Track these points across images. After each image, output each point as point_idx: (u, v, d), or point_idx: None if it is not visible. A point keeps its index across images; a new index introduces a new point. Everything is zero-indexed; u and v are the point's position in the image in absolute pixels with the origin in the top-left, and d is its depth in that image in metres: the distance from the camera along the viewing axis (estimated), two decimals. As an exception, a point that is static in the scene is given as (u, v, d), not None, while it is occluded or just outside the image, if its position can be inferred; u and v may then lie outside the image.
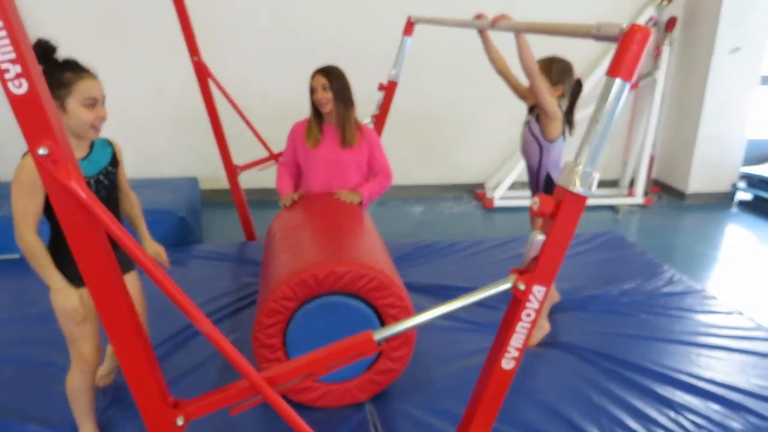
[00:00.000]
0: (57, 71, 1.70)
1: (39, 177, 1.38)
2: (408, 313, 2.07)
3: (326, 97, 2.75)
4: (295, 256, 2.12)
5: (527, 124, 2.52)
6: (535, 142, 2.46)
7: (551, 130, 2.42)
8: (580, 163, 1.24)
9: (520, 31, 2.07)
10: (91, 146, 1.85)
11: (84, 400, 1.95)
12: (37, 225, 1.67)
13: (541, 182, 2.51)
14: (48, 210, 1.69)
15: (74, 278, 1.69)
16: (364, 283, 2.00)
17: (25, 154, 1.66)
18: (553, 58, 2.48)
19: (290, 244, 2.25)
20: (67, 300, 1.74)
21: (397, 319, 2.05)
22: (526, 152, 2.55)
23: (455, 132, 5.04)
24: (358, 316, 2.03)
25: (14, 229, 1.63)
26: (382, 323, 2.06)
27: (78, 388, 1.93)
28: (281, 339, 2.03)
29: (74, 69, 1.75)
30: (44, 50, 1.71)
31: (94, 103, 1.75)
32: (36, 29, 0.95)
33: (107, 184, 1.82)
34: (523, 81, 2.47)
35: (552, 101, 2.36)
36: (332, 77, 2.77)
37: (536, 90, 2.30)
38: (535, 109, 2.47)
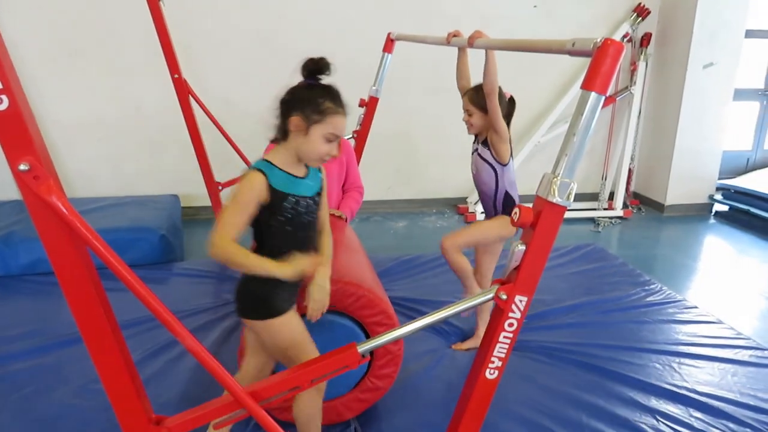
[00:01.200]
0: (319, 94, 1.69)
1: (258, 194, 1.46)
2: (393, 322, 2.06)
3: None
4: None
5: (476, 152, 2.49)
6: (490, 168, 2.43)
7: (503, 153, 2.40)
8: (558, 174, 1.27)
9: (496, 48, 2.09)
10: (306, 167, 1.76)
11: (317, 425, 1.84)
12: (238, 237, 1.58)
13: (499, 205, 2.49)
14: (256, 221, 1.64)
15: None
16: (352, 301, 1.99)
17: (251, 168, 1.62)
18: (478, 87, 2.40)
19: None
20: (298, 267, 1.59)
21: None
22: (480, 180, 2.51)
23: (436, 147, 5.07)
24: (345, 334, 2.02)
25: (213, 234, 1.54)
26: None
27: (313, 411, 1.81)
28: None
29: (335, 101, 1.72)
30: (317, 66, 1.79)
31: (334, 139, 1.69)
32: (9, 49, 0.94)
33: (315, 208, 1.76)
34: None
35: (504, 123, 2.35)
36: None
37: (491, 109, 2.28)
38: (479, 137, 2.48)
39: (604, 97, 1.24)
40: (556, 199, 1.27)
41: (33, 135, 1.08)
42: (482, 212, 2.59)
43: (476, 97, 2.39)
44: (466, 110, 2.45)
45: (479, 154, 2.47)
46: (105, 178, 4.58)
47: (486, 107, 2.33)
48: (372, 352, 2.04)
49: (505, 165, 2.44)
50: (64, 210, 1.12)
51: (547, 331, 2.84)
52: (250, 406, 1.33)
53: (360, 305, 2.00)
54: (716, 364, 2.58)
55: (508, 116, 2.42)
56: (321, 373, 1.38)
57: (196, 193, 4.50)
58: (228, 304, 3.04)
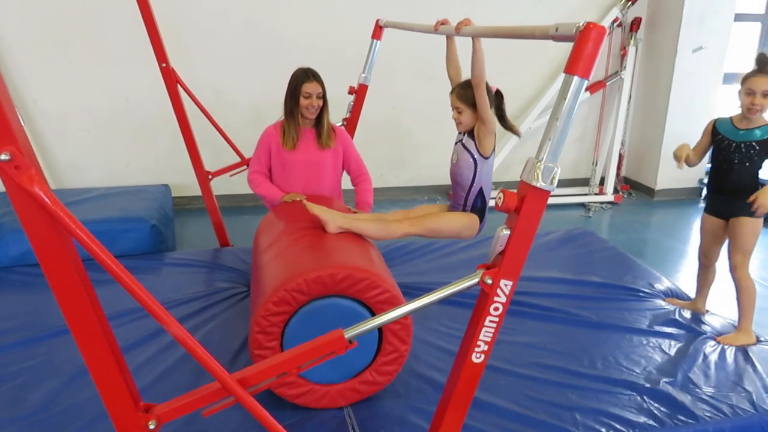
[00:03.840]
0: None
1: None
2: (408, 334, 2.10)
3: (319, 104, 2.80)
4: (314, 254, 2.14)
5: (460, 143, 2.46)
6: (471, 160, 2.40)
7: (487, 145, 2.37)
8: (542, 159, 1.28)
9: (482, 36, 2.07)
10: None
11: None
12: None
13: (470, 200, 2.46)
14: None
15: None
16: (375, 294, 2.01)
17: None
18: (465, 84, 2.39)
19: (306, 243, 2.25)
20: None
21: (397, 335, 2.08)
22: (458, 172, 2.47)
23: (427, 134, 5.07)
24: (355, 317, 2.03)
25: None
26: (381, 338, 2.09)
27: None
28: (281, 329, 2.01)
29: None
30: None
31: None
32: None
33: None
34: None
35: (491, 114, 2.33)
36: (323, 85, 2.81)
37: (478, 100, 2.26)
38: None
39: (587, 81, 1.25)
40: (540, 184, 1.28)
41: (13, 124, 1.07)
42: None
43: (464, 94, 2.36)
44: (455, 108, 2.41)
45: (463, 144, 2.44)
46: (95, 169, 4.56)
47: (474, 103, 2.32)
48: (379, 347, 2.09)
49: (486, 158, 2.41)
50: (47, 200, 1.12)
51: (534, 316, 2.85)
52: (237, 393, 1.34)
53: (382, 300, 2.02)
54: (702, 349, 2.60)
55: (497, 109, 2.40)
56: (307, 359, 1.39)
57: (187, 183, 4.49)
58: (219, 291, 3.04)
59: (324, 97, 2.82)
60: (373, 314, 2.04)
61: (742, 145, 2.59)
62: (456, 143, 2.50)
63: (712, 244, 2.82)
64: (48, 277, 1.21)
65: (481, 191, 2.45)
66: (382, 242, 3.74)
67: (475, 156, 2.40)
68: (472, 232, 2.48)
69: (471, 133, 2.41)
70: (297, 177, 2.88)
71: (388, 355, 2.10)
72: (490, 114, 2.31)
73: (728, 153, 2.63)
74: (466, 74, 2.40)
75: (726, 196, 2.68)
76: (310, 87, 2.77)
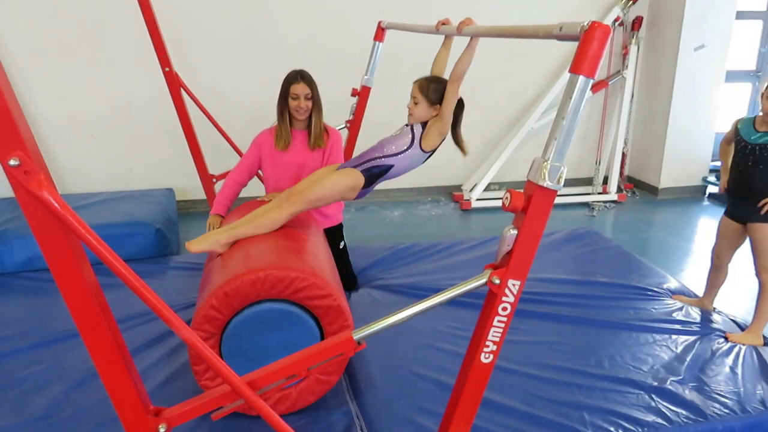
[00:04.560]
0: None
1: None
2: (341, 312, 2.03)
3: (308, 105, 2.80)
4: (219, 274, 2.09)
5: (409, 126, 2.39)
6: (410, 141, 2.33)
7: (431, 142, 2.33)
8: (548, 158, 1.28)
9: (485, 35, 2.06)
10: None
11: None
12: None
13: (372, 164, 2.34)
14: None
15: None
16: (283, 286, 1.96)
17: None
18: (431, 78, 2.37)
19: (212, 267, 2.22)
20: None
21: (328, 315, 2.02)
22: (389, 141, 2.38)
23: (430, 135, 5.06)
24: (297, 322, 2.02)
25: None
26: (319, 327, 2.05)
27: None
28: (220, 335, 1.99)
29: None
30: None
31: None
32: None
33: None
34: None
35: (451, 115, 2.28)
36: (313, 86, 2.82)
37: (448, 94, 2.22)
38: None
39: (592, 81, 1.25)
40: (547, 183, 1.28)
41: (22, 130, 1.08)
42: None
43: (427, 87, 2.32)
44: (413, 97, 2.35)
45: (411, 127, 2.37)
46: (98, 174, 4.57)
47: (433, 99, 2.29)
48: (321, 331, 2.04)
49: (423, 151, 2.35)
50: (56, 204, 1.13)
51: (539, 315, 2.85)
52: (247, 396, 1.34)
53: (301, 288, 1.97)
54: (708, 347, 2.59)
55: (455, 118, 2.35)
56: (317, 360, 1.39)
57: (191, 186, 4.50)
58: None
59: (314, 99, 2.82)
60: (300, 306, 2.01)
61: (757, 147, 2.55)
62: (405, 125, 2.42)
63: (725, 247, 2.80)
64: (57, 281, 1.21)
65: (388, 169, 2.35)
66: (386, 243, 3.75)
67: (415, 143, 2.34)
68: (353, 194, 2.35)
69: (424, 124, 2.36)
70: (288, 178, 2.89)
71: (332, 335, 2.01)
72: (450, 113, 2.27)
73: (744, 155, 2.61)
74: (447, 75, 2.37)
75: (742, 199, 2.66)
76: (297, 88, 2.78)
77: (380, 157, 2.35)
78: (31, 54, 4.19)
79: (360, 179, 2.33)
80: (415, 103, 2.35)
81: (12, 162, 1.07)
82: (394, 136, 2.41)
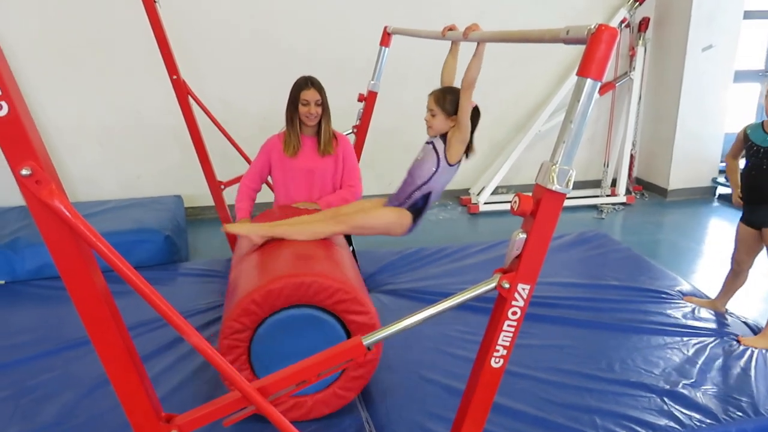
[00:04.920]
0: None
1: None
2: (374, 320, 2.06)
3: (318, 112, 2.81)
4: (260, 271, 2.12)
5: (431, 143, 2.40)
6: (435, 161, 2.35)
7: (456, 153, 2.34)
8: (557, 162, 1.27)
9: (491, 40, 2.06)
10: None
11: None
12: None
13: (413, 199, 2.39)
14: None
15: None
16: (320, 293, 1.99)
17: None
18: (446, 89, 2.38)
19: (254, 262, 2.23)
20: None
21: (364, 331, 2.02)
22: (416, 170, 2.41)
23: (437, 139, 5.07)
24: (329, 332, 2.04)
25: None
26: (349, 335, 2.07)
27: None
28: (253, 330, 2.01)
29: None
30: None
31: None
32: (7, 55, 0.96)
33: None
34: None
35: (469, 122, 2.28)
36: (322, 92, 2.83)
37: (463, 103, 2.23)
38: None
39: (600, 84, 1.25)
40: (556, 187, 1.27)
41: (33, 140, 1.09)
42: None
43: (442, 98, 2.33)
44: (429, 110, 2.37)
45: (433, 145, 2.38)
46: (108, 182, 4.59)
47: (449, 110, 2.30)
48: None
49: (450, 165, 2.36)
50: (67, 213, 1.13)
51: (549, 318, 2.84)
52: (258, 402, 1.35)
53: (345, 304, 2.00)
54: (719, 350, 2.57)
55: (472, 126, 2.34)
56: (327, 366, 1.39)
57: (199, 193, 4.51)
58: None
59: (323, 105, 2.83)
60: (336, 318, 2.03)
61: None
62: (426, 143, 2.44)
63: (744, 253, 2.78)
64: (69, 289, 1.22)
65: (428, 195, 2.39)
66: (395, 248, 3.75)
67: (441, 159, 2.36)
68: (401, 230, 2.40)
69: (444, 137, 2.36)
70: (298, 184, 2.90)
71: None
72: (467, 121, 2.27)
73: (756, 158, 2.59)
74: (458, 83, 2.37)
75: (756, 204, 2.64)
76: (308, 94, 2.79)
77: (418, 188, 2.39)
78: (42, 64, 4.22)
79: (408, 218, 2.40)
80: (433, 116, 2.36)
81: (24, 172, 1.08)
82: (419, 160, 2.43)
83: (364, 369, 2.11)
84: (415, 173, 2.41)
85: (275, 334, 2.02)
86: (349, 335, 2.05)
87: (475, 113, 2.33)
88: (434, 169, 2.36)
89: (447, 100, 2.32)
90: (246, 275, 2.16)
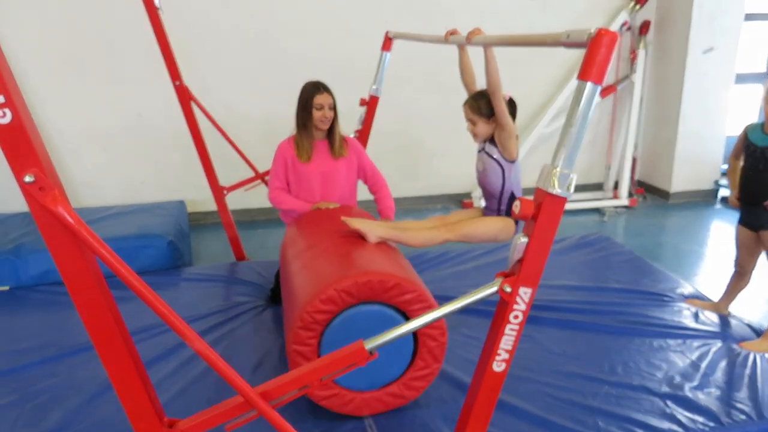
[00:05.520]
0: None
1: None
2: (442, 353, 2.11)
3: (331, 116, 2.84)
4: (360, 259, 2.15)
5: (482, 151, 2.48)
6: (497, 166, 2.43)
7: (511, 149, 2.39)
8: (558, 165, 1.28)
9: (492, 44, 2.10)
10: None
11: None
12: None
13: (503, 205, 2.48)
14: None
15: None
16: (420, 308, 2.02)
17: None
18: (476, 95, 2.45)
19: (349, 248, 2.26)
20: None
21: (432, 353, 2.09)
22: (486, 180, 2.50)
23: (439, 143, 5.08)
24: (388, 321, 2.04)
25: None
26: (415, 353, 2.11)
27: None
28: (323, 327, 2.02)
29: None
30: None
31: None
32: (11, 62, 0.97)
33: None
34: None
35: (510, 118, 2.34)
36: (333, 96, 2.84)
37: (497, 106, 2.29)
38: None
39: (600, 87, 1.25)
40: (556, 190, 1.28)
41: (37, 147, 1.10)
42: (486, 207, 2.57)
43: (476, 105, 2.40)
44: (469, 120, 2.45)
45: (486, 152, 2.47)
46: (111, 187, 4.61)
47: (487, 113, 2.37)
48: (412, 361, 2.10)
49: (512, 162, 2.43)
50: (70, 219, 1.14)
51: (552, 321, 2.84)
52: (260, 407, 1.35)
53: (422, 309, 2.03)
54: (724, 353, 2.57)
55: (511, 116, 2.40)
56: (329, 371, 1.40)
57: (202, 198, 4.53)
58: (237, 305, 3.06)
59: (334, 108, 2.86)
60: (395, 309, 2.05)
61: (767, 150, 2.54)
62: (479, 151, 2.52)
63: (746, 256, 2.78)
64: (72, 295, 1.22)
65: (512, 195, 2.47)
66: (397, 252, 3.75)
67: (501, 162, 2.43)
68: (508, 236, 2.46)
69: (492, 140, 2.43)
70: (313, 188, 2.90)
71: (419, 370, 2.11)
72: (508, 118, 2.33)
73: (754, 158, 2.59)
74: (480, 81, 2.41)
75: (753, 205, 2.64)
76: (321, 99, 2.80)
77: (499, 195, 2.47)
78: (44, 70, 4.24)
79: (512, 224, 2.46)
80: (474, 124, 2.44)
81: (27, 178, 1.09)
82: (483, 172, 2.51)
83: (421, 383, 2.14)
84: (487, 186, 2.50)
85: (353, 326, 2.02)
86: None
87: (511, 105, 2.41)
88: (502, 176, 2.44)
89: (481, 105, 2.39)
90: (318, 264, 2.20)
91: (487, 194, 2.55)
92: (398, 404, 2.16)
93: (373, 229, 2.35)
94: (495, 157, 2.44)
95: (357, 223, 2.34)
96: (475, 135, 2.46)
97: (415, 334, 2.08)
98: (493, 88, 2.25)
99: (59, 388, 2.38)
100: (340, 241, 2.33)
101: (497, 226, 2.44)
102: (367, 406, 2.13)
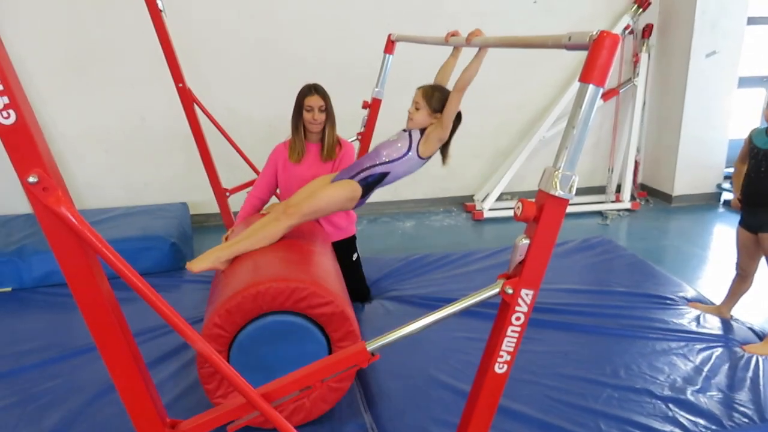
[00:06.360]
0: None
1: None
2: (347, 318, 2.03)
3: (321, 118, 2.84)
4: (234, 281, 2.08)
5: (407, 131, 2.40)
6: (407, 147, 2.34)
7: (429, 148, 2.34)
8: (560, 167, 1.28)
9: (494, 46, 2.08)
10: None
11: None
12: None
13: (367, 174, 2.34)
14: None
15: None
16: (318, 303, 1.98)
17: None
18: (436, 86, 2.39)
19: (234, 270, 2.21)
20: None
21: (332, 323, 2.02)
22: (385, 147, 2.38)
23: (441, 146, 5.08)
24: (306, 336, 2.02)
25: None
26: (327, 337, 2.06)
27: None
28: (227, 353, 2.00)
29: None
30: None
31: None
32: (15, 64, 0.98)
33: None
34: None
35: (451, 123, 2.29)
36: (326, 98, 2.86)
37: (451, 103, 2.23)
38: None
39: (602, 90, 1.25)
40: (558, 192, 1.28)
41: (41, 147, 1.10)
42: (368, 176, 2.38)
43: (431, 94, 2.33)
44: (415, 102, 2.36)
45: (409, 132, 2.38)
46: (114, 189, 4.62)
47: (435, 107, 2.31)
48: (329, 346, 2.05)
49: (420, 158, 2.35)
50: (74, 220, 1.15)
51: (554, 324, 2.84)
52: (262, 408, 1.35)
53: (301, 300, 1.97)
54: (725, 356, 2.56)
55: (453, 127, 2.35)
56: (331, 372, 1.40)
57: (205, 200, 4.54)
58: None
59: (327, 111, 2.86)
60: (314, 322, 2.01)
61: None
62: (403, 130, 2.42)
63: (747, 258, 2.77)
64: (75, 296, 1.23)
65: (383, 176, 2.36)
66: (399, 254, 3.75)
67: (412, 149, 2.35)
68: (351, 205, 2.36)
69: (422, 131, 2.36)
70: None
71: (338, 342, 2.03)
72: (450, 122, 2.28)
73: (757, 161, 2.59)
74: (451, 85, 2.37)
75: (753, 207, 2.64)
76: (311, 100, 2.82)
77: (375, 165, 2.35)
78: (48, 72, 4.26)
79: (357, 190, 2.34)
80: (417, 109, 2.36)
81: (31, 179, 1.10)
82: (391, 141, 2.41)
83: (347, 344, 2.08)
84: (382, 151, 2.38)
85: (250, 349, 1.98)
86: (322, 329, 2.03)
87: (458, 118, 2.34)
88: (403, 153, 2.35)
89: (435, 96, 2.33)
90: (210, 300, 2.16)
91: (369, 155, 2.40)
92: (352, 376, 2.12)
93: (217, 258, 2.23)
94: (412, 141, 2.34)
95: (198, 265, 2.22)
96: (410, 119, 2.37)
97: (313, 321, 2.02)
98: (462, 84, 2.19)
99: (61, 390, 2.38)
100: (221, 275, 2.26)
101: (342, 194, 2.31)
102: (325, 401, 2.09)
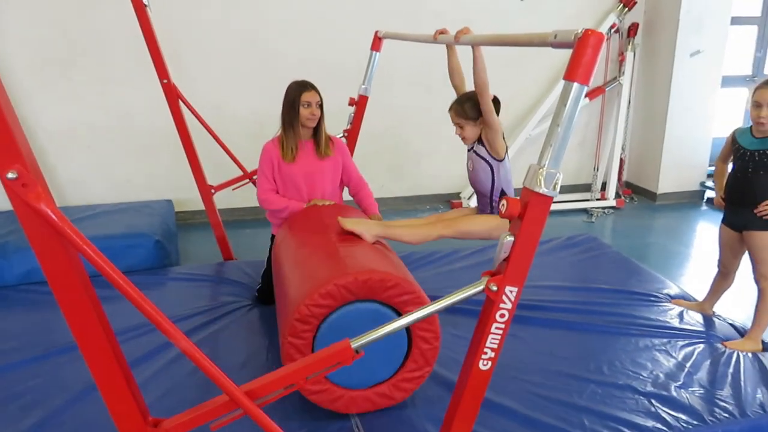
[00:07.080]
0: None
1: None
2: (434, 356, 2.12)
3: (318, 113, 2.83)
4: (360, 257, 2.14)
5: (472, 150, 2.50)
6: (486, 165, 2.45)
7: (498, 147, 2.41)
8: (544, 165, 1.28)
9: (481, 44, 2.11)
10: None
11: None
12: None
13: (495, 204, 2.51)
14: None
15: None
16: (414, 304, 2.03)
17: None
18: (461, 98, 2.48)
19: (347, 246, 2.24)
20: None
21: (424, 355, 2.10)
22: (476, 179, 2.53)
23: (427, 143, 5.09)
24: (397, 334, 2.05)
25: None
26: (407, 354, 2.11)
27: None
28: (319, 321, 2.00)
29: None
30: None
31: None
32: None
33: None
34: None
35: (496, 118, 2.36)
36: (320, 95, 2.84)
37: (484, 106, 2.30)
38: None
39: (586, 88, 1.26)
40: (543, 190, 1.28)
41: (20, 142, 1.08)
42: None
43: (461, 110, 2.41)
44: (456, 124, 2.46)
45: (475, 151, 2.48)
46: (98, 186, 4.57)
47: (473, 116, 2.38)
48: (404, 363, 2.10)
49: (500, 161, 2.45)
50: (54, 217, 1.13)
51: (538, 321, 2.85)
52: (245, 405, 1.34)
53: (406, 300, 2.04)
54: (707, 353, 2.59)
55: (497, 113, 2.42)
56: (315, 369, 1.39)
57: (189, 198, 4.51)
58: (224, 305, 3.05)
59: (322, 106, 2.85)
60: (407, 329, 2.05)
61: (756, 153, 2.55)
62: (468, 151, 2.53)
63: (729, 256, 2.80)
64: (56, 293, 1.21)
65: (503, 193, 2.49)
66: (385, 252, 3.74)
67: (490, 160, 2.44)
68: (497, 233, 2.46)
69: (480, 140, 2.44)
70: (299, 188, 2.90)
71: (410, 372, 2.11)
72: (495, 117, 2.35)
73: (743, 161, 2.60)
74: (470, 82, 2.42)
75: (738, 206, 2.66)
76: (309, 96, 2.80)
77: (490, 194, 2.50)
78: (30, 66, 4.21)
79: (507, 222, 2.43)
80: (461, 128, 2.46)
81: (10, 175, 1.08)
82: (473, 172, 2.53)
83: (411, 384, 2.14)
84: (478, 186, 2.52)
85: (352, 323, 2.00)
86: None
87: (496, 104, 2.41)
88: (491, 175, 2.46)
89: (466, 108, 2.40)
90: (313, 261, 2.20)
91: (478, 193, 2.56)
92: (386, 404, 2.15)
93: (369, 229, 2.35)
94: (483, 156, 2.45)
95: (351, 224, 2.34)
96: (464, 138, 2.48)
97: (409, 336, 2.08)
98: (480, 88, 2.26)
99: (43, 389, 2.36)
100: (336, 239, 2.32)
101: (491, 224, 2.47)
102: (355, 405, 2.13)
